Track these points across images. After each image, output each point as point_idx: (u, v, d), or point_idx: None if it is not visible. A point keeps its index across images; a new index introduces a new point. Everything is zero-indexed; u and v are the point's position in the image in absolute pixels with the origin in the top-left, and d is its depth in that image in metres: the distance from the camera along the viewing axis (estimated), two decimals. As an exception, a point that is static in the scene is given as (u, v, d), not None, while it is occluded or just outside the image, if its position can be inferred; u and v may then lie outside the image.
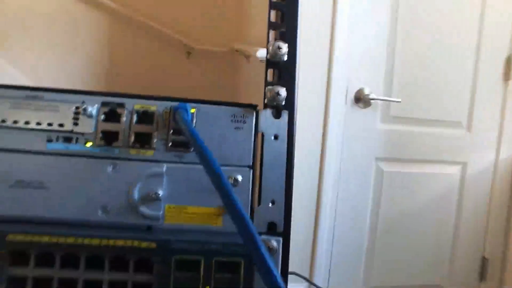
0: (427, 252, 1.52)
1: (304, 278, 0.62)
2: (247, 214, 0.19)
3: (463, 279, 1.53)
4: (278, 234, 0.30)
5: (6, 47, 2.22)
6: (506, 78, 1.53)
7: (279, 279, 0.16)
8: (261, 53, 1.30)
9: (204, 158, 0.22)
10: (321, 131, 1.34)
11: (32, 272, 0.26)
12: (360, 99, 1.38)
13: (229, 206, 0.20)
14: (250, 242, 0.17)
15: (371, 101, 1.38)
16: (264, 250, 0.18)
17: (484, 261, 1.57)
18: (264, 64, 1.17)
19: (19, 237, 0.26)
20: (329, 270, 1.43)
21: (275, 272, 0.18)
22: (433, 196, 1.49)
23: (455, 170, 1.52)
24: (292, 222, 1.17)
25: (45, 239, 0.26)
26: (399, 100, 1.39)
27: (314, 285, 1.07)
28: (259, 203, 0.30)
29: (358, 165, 1.43)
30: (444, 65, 1.45)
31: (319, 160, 1.33)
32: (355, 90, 1.39)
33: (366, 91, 1.39)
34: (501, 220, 1.58)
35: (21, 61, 2.26)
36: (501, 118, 1.52)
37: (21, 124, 0.30)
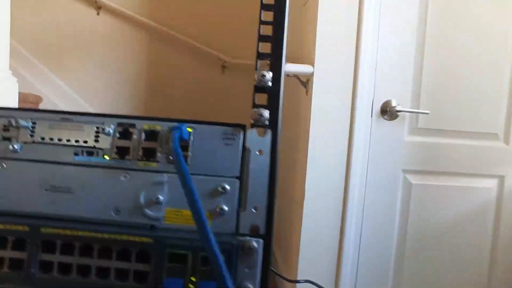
0: (462, 269, 1.46)
1: (319, 286, 0.65)
2: (206, 219, 0.24)
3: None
4: (260, 236, 0.35)
5: (61, 65, 2.44)
6: (546, 87, 1.44)
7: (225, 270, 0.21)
8: (288, 68, 1.35)
9: (181, 173, 0.27)
10: (346, 144, 1.36)
11: (57, 258, 0.33)
12: (386, 111, 1.38)
13: (194, 213, 0.25)
14: (205, 241, 0.22)
15: (398, 113, 1.38)
16: (216, 248, 0.23)
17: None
18: (291, 78, 1.23)
19: (49, 230, 0.33)
20: (355, 284, 1.42)
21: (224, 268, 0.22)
22: (467, 210, 1.44)
23: (491, 183, 1.46)
24: (317, 234, 1.21)
25: (68, 232, 0.33)
26: (427, 112, 1.37)
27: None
28: (244, 209, 0.36)
29: (385, 178, 1.42)
30: (477, 74, 1.41)
31: (344, 172, 1.35)
32: (381, 102, 1.39)
33: (393, 103, 1.39)
34: (539, 236, 1.49)
35: (73, 79, 2.47)
36: (541, 130, 1.44)
37: (55, 140, 0.37)
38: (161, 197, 0.35)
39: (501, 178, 1.43)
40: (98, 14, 2.43)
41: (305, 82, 1.40)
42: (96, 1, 2.38)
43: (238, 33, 2.39)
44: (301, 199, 1.34)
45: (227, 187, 0.35)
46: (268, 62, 0.39)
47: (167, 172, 0.36)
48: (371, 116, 1.39)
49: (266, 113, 0.36)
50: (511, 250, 1.46)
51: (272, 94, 0.37)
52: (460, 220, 1.42)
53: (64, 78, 2.37)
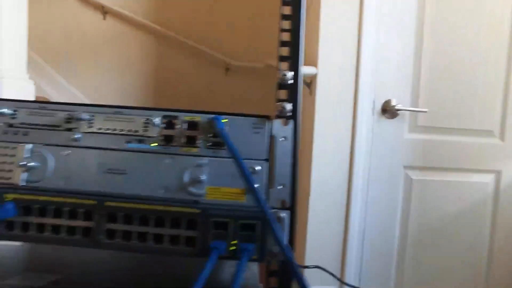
0: (461, 261, 1.52)
1: (330, 273, 0.71)
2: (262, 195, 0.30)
3: None
4: (287, 209, 0.42)
5: (69, 69, 2.50)
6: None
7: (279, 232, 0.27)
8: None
9: (234, 156, 0.34)
10: (349, 141, 1.42)
11: (120, 227, 0.40)
12: (387, 110, 1.45)
13: (250, 190, 0.32)
14: (260, 205, 0.29)
15: (398, 112, 1.45)
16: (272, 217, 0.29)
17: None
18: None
19: (112, 204, 0.40)
20: (359, 275, 1.48)
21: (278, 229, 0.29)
22: (466, 203, 1.51)
23: (488, 178, 1.52)
24: (323, 226, 1.28)
25: (129, 205, 0.40)
26: (426, 110, 1.44)
27: (342, 281, 1.15)
28: (272, 186, 0.42)
29: (387, 174, 1.48)
30: (473, 74, 1.48)
31: (348, 168, 1.41)
32: (382, 102, 1.46)
33: (393, 102, 1.46)
34: (534, 227, 1.55)
35: (81, 80, 2.53)
36: (534, 126, 1.50)
37: (110, 130, 0.44)
38: (202, 177, 0.42)
39: (498, 173, 1.50)
40: (104, 19, 2.51)
41: (309, 82, 1.47)
42: (103, 6, 2.45)
43: (241, 36, 2.46)
44: (306, 195, 1.41)
45: (258, 168, 0.42)
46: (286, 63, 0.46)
47: (206, 156, 0.43)
48: (373, 115, 1.46)
49: (288, 106, 0.43)
50: (507, 239, 1.52)
51: (292, 90, 0.44)
52: (459, 212, 1.49)
53: (72, 81, 2.44)
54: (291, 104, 0.43)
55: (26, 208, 0.41)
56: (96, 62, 2.45)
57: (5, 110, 0.45)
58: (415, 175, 1.49)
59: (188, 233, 0.40)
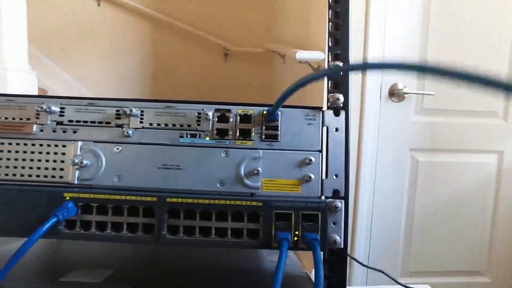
0: (465, 240, 1.57)
1: (392, 278, 0.72)
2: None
3: (501, 266, 1.58)
4: (341, 198, 0.42)
5: (64, 58, 2.44)
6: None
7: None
8: (300, 55, 1.41)
9: None
10: (357, 125, 1.44)
11: (182, 222, 0.40)
12: (394, 94, 1.46)
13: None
14: None
15: (405, 95, 1.47)
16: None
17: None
18: (301, 64, 1.31)
19: (173, 200, 0.40)
20: (368, 255, 1.52)
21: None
22: (470, 183, 1.54)
23: (491, 159, 1.56)
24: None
25: (189, 200, 0.40)
26: (432, 93, 1.46)
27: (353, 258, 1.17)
28: (326, 176, 0.43)
29: (394, 156, 1.51)
30: (477, 57, 1.49)
31: (356, 151, 1.43)
32: (389, 85, 1.48)
33: (400, 86, 1.47)
34: (536, 205, 1.60)
35: (77, 68, 2.48)
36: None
37: (162, 125, 0.44)
38: (258, 169, 0.42)
39: (500, 153, 1.53)
40: (99, 5, 2.44)
41: (316, 68, 1.47)
42: (96, -7, 2.39)
43: (240, 21, 2.43)
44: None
45: (313, 159, 0.43)
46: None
47: (261, 148, 0.43)
48: (380, 98, 1.47)
49: (341, 97, 0.43)
50: (507, 219, 1.57)
51: (343, 80, 0.44)
52: (463, 192, 1.53)
53: (68, 70, 2.39)
54: (342, 95, 0.44)
55: (84, 207, 0.41)
56: (92, 50, 2.40)
57: (53, 108, 0.44)
58: (421, 157, 1.52)
59: (250, 225, 0.40)
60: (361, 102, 1.42)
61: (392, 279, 0.67)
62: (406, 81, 1.45)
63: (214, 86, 2.47)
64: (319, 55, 1.39)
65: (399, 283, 0.72)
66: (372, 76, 1.42)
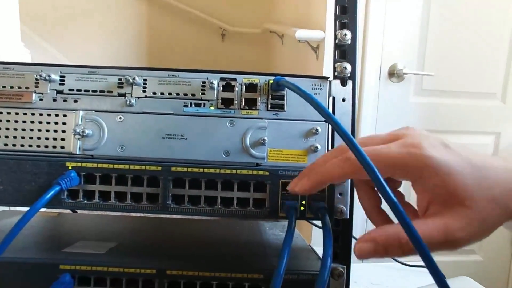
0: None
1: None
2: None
3: (493, 245, 1.59)
4: (347, 169, 0.42)
5: (57, 36, 2.39)
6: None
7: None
8: (300, 34, 1.39)
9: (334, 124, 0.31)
10: (356, 105, 1.43)
11: (187, 192, 0.40)
12: (393, 74, 1.45)
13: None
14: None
15: (404, 75, 1.46)
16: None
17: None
18: (299, 44, 1.29)
19: (178, 169, 0.40)
20: (365, 227, 1.53)
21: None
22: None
23: (488, 140, 1.56)
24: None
25: (195, 170, 0.40)
26: (432, 73, 1.45)
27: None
28: (333, 147, 0.42)
29: (392, 136, 1.49)
30: (478, 38, 1.48)
31: (356, 132, 1.43)
32: (388, 66, 1.46)
33: (399, 66, 1.46)
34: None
35: (71, 46, 2.43)
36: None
37: (166, 95, 0.43)
38: (264, 139, 0.41)
39: (497, 135, 1.54)
40: (92, -17, 2.38)
41: (315, 47, 1.45)
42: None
43: (237, 1, 2.38)
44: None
45: (319, 129, 0.42)
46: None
47: (267, 118, 0.42)
48: (379, 78, 1.46)
49: (349, 66, 0.42)
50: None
51: (351, 50, 0.43)
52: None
53: (62, 48, 2.34)
54: (349, 64, 0.43)
55: (87, 176, 0.41)
56: (86, 28, 2.35)
57: (53, 76, 0.43)
58: (419, 138, 1.50)
59: (256, 195, 0.40)
60: (360, 82, 1.41)
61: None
62: (406, 62, 1.44)
63: (211, 67, 2.44)
64: (319, 34, 1.37)
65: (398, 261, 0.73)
66: (372, 56, 1.41)
